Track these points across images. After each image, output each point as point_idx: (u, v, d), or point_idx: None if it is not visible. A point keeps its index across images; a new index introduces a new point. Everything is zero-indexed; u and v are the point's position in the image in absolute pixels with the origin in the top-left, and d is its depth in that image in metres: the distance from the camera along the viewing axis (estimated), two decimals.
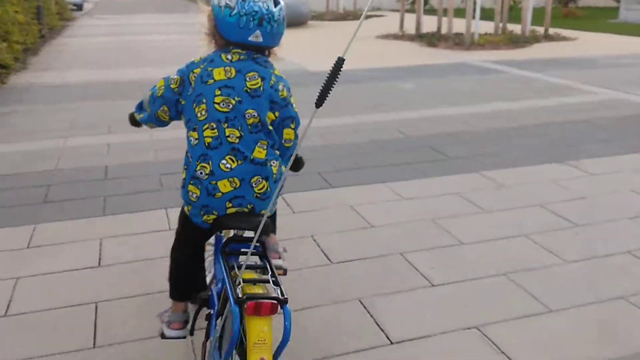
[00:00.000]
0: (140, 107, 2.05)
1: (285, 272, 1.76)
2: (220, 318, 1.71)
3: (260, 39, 1.75)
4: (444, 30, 13.65)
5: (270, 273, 1.63)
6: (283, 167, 1.83)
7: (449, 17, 12.61)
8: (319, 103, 1.38)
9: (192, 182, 1.78)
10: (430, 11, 20.42)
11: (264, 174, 1.77)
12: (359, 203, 3.62)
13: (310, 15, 17.63)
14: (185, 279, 2.02)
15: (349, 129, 5.45)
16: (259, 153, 1.76)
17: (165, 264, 2.13)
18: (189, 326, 2.04)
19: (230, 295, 1.54)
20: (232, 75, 1.76)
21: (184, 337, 2.07)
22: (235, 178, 1.73)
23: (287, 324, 1.49)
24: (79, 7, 27.08)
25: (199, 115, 1.76)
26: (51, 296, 2.58)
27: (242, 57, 1.78)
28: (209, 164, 1.73)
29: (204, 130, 1.75)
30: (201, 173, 1.74)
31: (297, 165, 2.07)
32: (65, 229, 3.29)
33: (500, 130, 5.31)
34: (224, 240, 1.88)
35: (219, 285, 1.83)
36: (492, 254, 2.94)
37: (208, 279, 2.18)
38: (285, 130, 1.87)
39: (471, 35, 11.78)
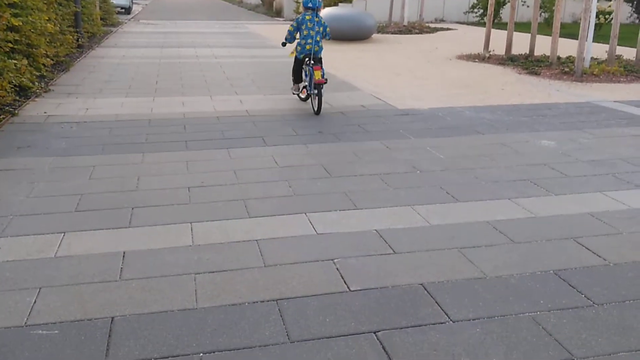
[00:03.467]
0: (287, 39, 6.76)
1: (326, 81, 6.37)
2: (307, 81, 6.71)
3: (310, 5, 6.49)
4: (536, 52, 11.54)
5: (320, 65, 6.49)
6: (324, 40, 6.68)
7: (554, 37, 10.44)
8: None
9: (298, 47, 6.63)
10: (501, 25, 18.14)
11: (318, 44, 6.49)
12: None
13: (376, 28, 15.68)
14: (296, 76, 6.88)
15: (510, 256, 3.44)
16: (318, 38, 6.50)
17: None
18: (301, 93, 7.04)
19: (309, 67, 6.48)
20: (310, 17, 6.48)
21: (299, 94, 7.02)
22: (311, 43, 6.46)
23: (323, 68, 6.41)
24: (127, 11, 25.83)
25: (302, 28, 6.51)
26: None
27: (310, 12, 6.50)
28: (305, 40, 6.51)
29: (303, 32, 6.51)
30: (303, 43, 6.53)
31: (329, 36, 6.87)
32: None
33: None
34: (308, 61, 6.61)
35: (308, 75, 6.64)
36: None
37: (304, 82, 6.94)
38: (327, 29, 6.67)
39: (582, 61, 9.60)
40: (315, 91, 6.41)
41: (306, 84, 6.75)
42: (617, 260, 3.15)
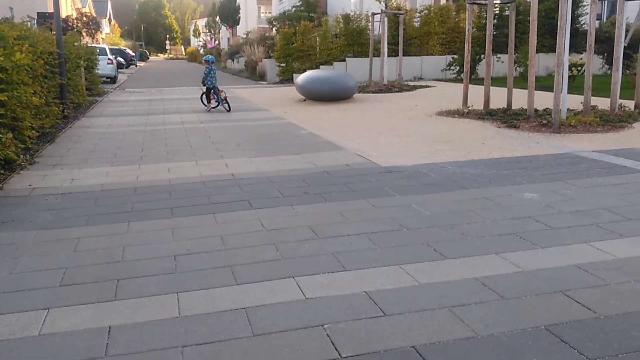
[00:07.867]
0: (204, 80, 14.07)
1: (230, 109, 13.83)
2: (216, 99, 14.02)
3: (210, 61, 14.23)
4: (514, 106, 11.89)
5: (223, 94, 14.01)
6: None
7: (529, 91, 10.76)
8: None
9: (208, 84, 13.94)
10: (478, 80, 18.72)
11: (216, 82, 14.13)
12: None
13: (357, 88, 16.06)
14: (207, 99, 14.18)
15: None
16: (216, 80, 14.05)
17: None
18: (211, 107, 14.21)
19: (217, 91, 13.90)
20: (214, 68, 13.93)
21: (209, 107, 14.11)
22: (214, 81, 13.89)
23: (226, 95, 13.97)
24: (113, 80, 26.30)
25: (210, 73, 13.80)
26: None
27: (213, 65, 14.01)
28: (212, 79, 13.85)
29: (211, 75, 13.80)
30: (212, 80, 13.84)
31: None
32: None
33: None
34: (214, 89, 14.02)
35: (217, 94, 14.00)
36: None
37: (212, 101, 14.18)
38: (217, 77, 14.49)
39: (559, 113, 9.87)
40: (225, 102, 13.69)
41: (216, 99, 13.83)
42: (607, 313, 3.14)
